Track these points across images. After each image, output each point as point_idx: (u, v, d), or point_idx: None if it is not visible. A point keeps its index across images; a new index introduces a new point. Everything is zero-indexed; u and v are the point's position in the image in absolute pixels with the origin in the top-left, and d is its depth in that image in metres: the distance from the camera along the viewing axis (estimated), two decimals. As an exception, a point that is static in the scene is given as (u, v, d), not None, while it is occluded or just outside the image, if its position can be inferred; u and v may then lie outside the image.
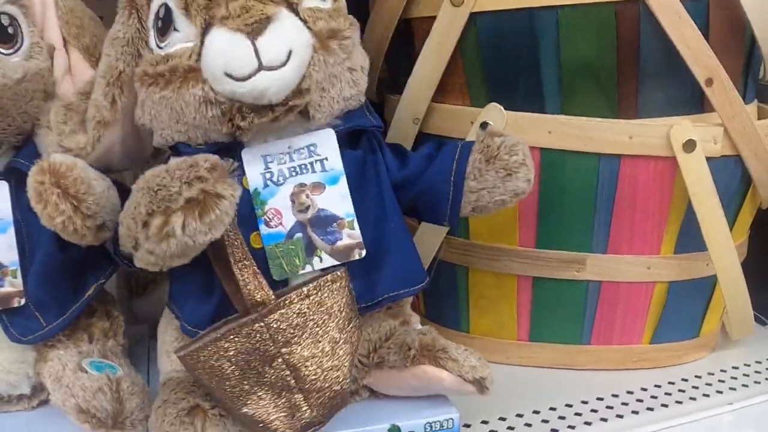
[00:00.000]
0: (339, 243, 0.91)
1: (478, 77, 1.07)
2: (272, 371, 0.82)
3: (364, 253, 0.91)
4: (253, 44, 0.81)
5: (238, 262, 0.83)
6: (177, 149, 0.91)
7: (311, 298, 0.83)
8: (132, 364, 1.02)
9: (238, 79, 0.82)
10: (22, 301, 0.95)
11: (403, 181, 0.96)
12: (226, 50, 0.82)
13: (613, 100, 1.03)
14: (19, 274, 0.95)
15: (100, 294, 1.03)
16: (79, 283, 0.99)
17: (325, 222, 0.91)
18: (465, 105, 1.09)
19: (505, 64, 1.05)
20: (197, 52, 0.85)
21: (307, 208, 0.90)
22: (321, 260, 0.90)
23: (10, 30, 0.94)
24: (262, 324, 0.81)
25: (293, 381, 0.83)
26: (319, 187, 0.91)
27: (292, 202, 0.90)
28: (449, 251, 1.16)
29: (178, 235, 0.75)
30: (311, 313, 0.83)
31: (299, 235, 0.90)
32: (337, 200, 0.91)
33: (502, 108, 1.04)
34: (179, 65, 0.86)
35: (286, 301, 0.82)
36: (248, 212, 0.89)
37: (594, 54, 1.01)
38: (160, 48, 0.88)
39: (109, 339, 1.02)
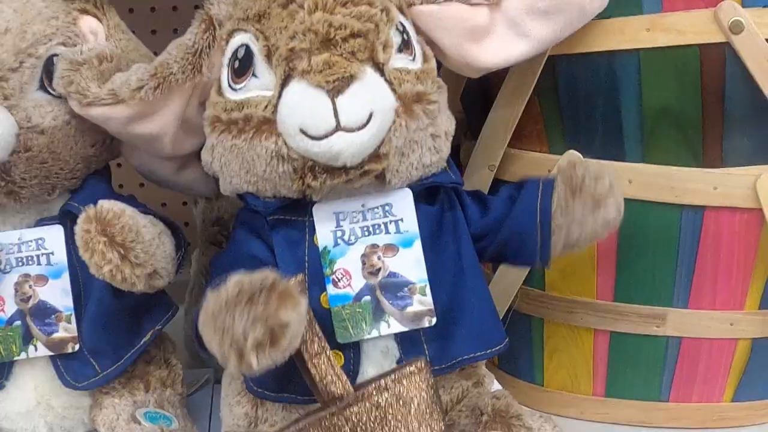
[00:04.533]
0: (409, 309, 0.88)
1: (556, 123, 1.04)
2: None
3: (434, 320, 0.88)
4: (333, 103, 0.77)
5: (313, 357, 0.80)
6: (245, 199, 0.88)
7: (390, 390, 0.80)
8: (194, 409, 1.01)
9: (313, 138, 0.78)
10: (77, 347, 0.94)
11: (486, 228, 0.93)
12: (303, 106, 0.78)
13: (696, 148, 0.99)
14: (73, 319, 0.94)
15: (160, 341, 1.02)
16: (135, 329, 0.98)
17: (395, 286, 0.88)
18: (542, 151, 1.06)
19: (584, 110, 1.01)
20: (274, 103, 0.82)
21: (378, 270, 0.88)
22: (389, 326, 0.88)
23: None
24: (341, 417, 0.78)
25: None
26: (392, 249, 0.88)
27: (363, 263, 0.87)
28: (524, 302, 1.12)
29: (255, 366, 0.71)
30: (389, 406, 0.79)
31: (368, 298, 0.88)
32: (411, 264, 0.88)
33: (580, 156, 1.01)
34: (254, 115, 0.83)
35: (365, 395, 0.79)
36: (317, 271, 0.87)
37: (677, 99, 0.97)
38: (234, 90, 0.86)
39: (167, 388, 1.01)
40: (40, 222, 0.94)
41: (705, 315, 1.05)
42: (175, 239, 0.94)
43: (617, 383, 1.11)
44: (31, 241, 0.93)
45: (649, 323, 1.06)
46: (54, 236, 0.93)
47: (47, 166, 0.91)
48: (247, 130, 0.83)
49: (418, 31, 0.91)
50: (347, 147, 0.78)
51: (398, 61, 0.85)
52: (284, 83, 0.81)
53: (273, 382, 0.88)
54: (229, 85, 0.87)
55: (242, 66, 0.85)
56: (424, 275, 0.88)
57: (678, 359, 1.08)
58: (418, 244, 0.88)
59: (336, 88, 0.77)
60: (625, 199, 0.99)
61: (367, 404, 0.79)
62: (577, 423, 1.13)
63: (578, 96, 1.01)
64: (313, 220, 0.87)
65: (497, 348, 0.93)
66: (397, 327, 0.88)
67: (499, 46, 0.94)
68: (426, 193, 0.90)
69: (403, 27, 0.87)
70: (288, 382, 0.87)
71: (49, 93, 0.91)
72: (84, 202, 0.88)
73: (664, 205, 1.00)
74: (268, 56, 0.83)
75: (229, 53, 0.87)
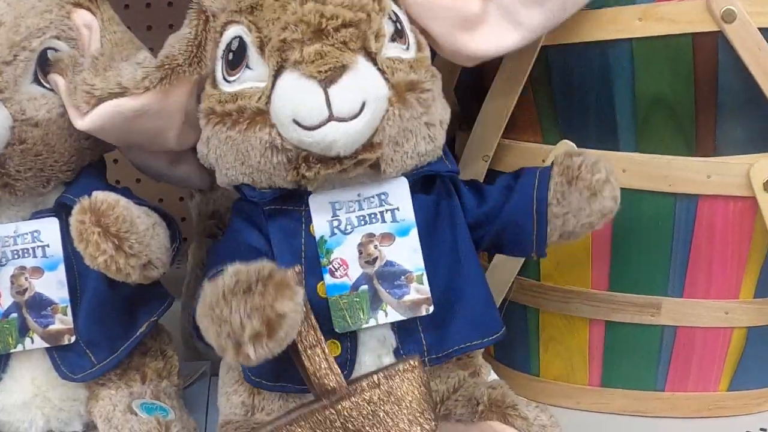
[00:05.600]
0: (406, 297, 0.88)
1: (549, 113, 1.04)
2: None
3: (432, 309, 0.88)
4: (325, 93, 0.77)
5: (308, 349, 0.80)
6: (241, 190, 0.88)
7: (382, 386, 0.80)
8: (191, 401, 1.01)
9: (306, 128, 0.78)
10: (72, 339, 0.94)
11: (482, 217, 0.93)
12: (295, 96, 0.79)
13: (690, 137, 0.99)
14: (69, 311, 0.94)
15: (156, 332, 1.02)
16: (131, 321, 0.98)
17: (392, 275, 0.88)
18: (537, 142, 1.06)
19: (577, 99, 1.01)
20: (267, 94, 0.82)
21: (375, 259, 0.87)
22: (386, 314, 0.88)
23: None
24: (332, 411, 0.78)
25: None
26: (388, 237, 0.88)
27: (360, 252, 0.87)
28: (520, 292, 1.12)
29: (252, 357, 0.71)
30: (380, 402, 0.80)
31: (365, 287, 0.87)
32: (407, 253, 0.88)
33: (574, 146, 1.01)
34: (248, 106, 0.83)
35: (357, 389, 0.79)
36: (315, 260, 0.87)
37: (670, 88, 0.98)
38: (228, 82, 0.86)
39: (163, 380, 1.01)
40: (36, 214, 0.94)
41: (700, 304, 1.05)
42: (169, 230, 0.94)
43: (613, 373, 1.12)
44: (26, 233, 0.93)
45: (644, 312, 1.06)
46: (49, 228, 0.93)
47: (42, 158, 0.91)
48: (241, 122, 0.83)
49: (411, 20, 0.91)
50: (340, 137, 0.78)
51: (391, 50, 0.85)
52: (277, 74, 0.81)
53: (270, 372, 0.88)
54: (224, 77, 0.86)
55: (236, 58, 0.85)
56: (421, 264, 0.88)
57: (673, 348, 1.08)
58: (414, 233, 0.88)
59: (328, 78, 0.77)
60: (620, 189, 0.99)
61: (359, 399, 0.79)
62: (573, 413, 1.13)
63: (572, 86, 1.01)
64: (309, 210, 0.87)
65: (494, 336, 0.93)
66: (395, 316, 0.88)
67: (492, 35, 0.93)
68: (422, 182, 0.90)
69: (396, 16, 0.87)
70: (285, 371, 0.87)
71: (43, 86, 0.92)
72: (79, 195, 0.88)
73: (658, 194, 1.00)
74: (261, 47, 0.83)
75: (223, 45, 0.87)
